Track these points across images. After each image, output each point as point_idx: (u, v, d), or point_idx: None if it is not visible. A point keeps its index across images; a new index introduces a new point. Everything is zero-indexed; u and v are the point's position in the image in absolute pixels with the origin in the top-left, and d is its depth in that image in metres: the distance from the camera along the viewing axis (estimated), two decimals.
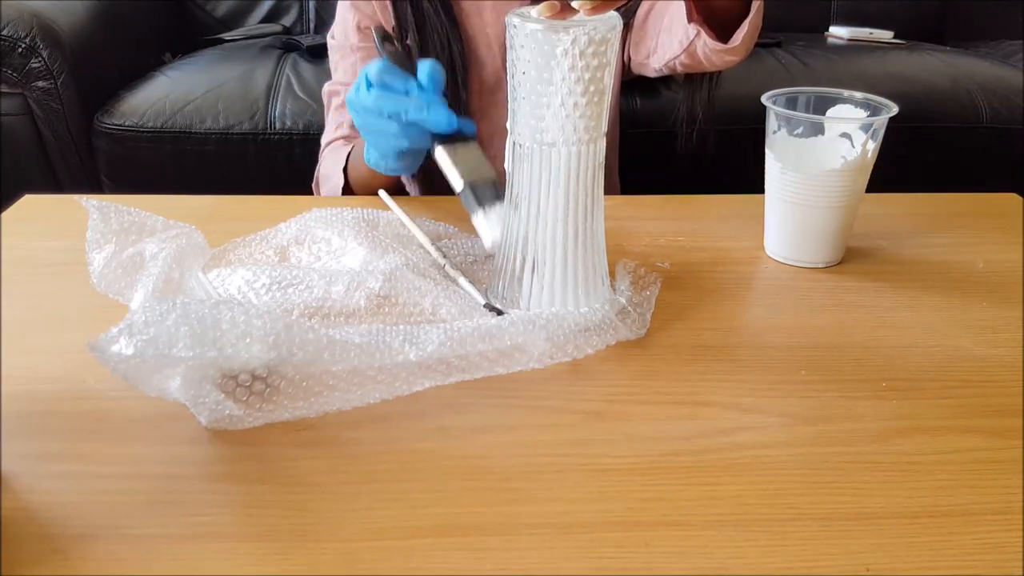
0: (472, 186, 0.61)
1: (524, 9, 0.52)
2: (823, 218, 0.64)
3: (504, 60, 0.87)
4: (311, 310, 0.56)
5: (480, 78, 0.90)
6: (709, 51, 0.75)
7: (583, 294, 0.56)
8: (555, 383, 0.51)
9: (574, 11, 0.50)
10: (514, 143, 0.54)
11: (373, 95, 0.64)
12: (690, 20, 0.73)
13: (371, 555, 0.38)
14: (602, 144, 0.54)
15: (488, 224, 0.60)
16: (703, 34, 0.73)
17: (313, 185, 0.93)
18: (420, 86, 0.64)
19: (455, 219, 0.70)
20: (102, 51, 1.52)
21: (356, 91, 0.66)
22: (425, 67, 0.64)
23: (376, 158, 0.71)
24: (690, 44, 0.76)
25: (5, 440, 0.45)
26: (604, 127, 0.53)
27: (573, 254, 0.55)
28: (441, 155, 0.63)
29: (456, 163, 0.62)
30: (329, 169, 0.87)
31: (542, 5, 0.50)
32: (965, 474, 0.44)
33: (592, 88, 0.50)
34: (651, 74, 0.91)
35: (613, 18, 0.50)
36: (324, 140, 0.93)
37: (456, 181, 0.62)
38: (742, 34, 0.70)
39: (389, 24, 0.87)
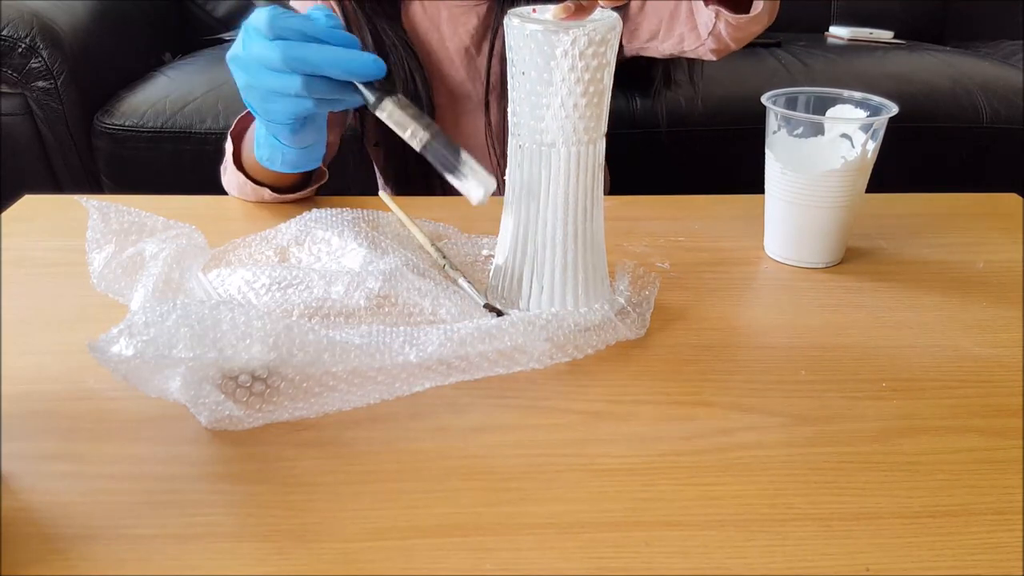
0: (438, 140, 0.53)
1: (523, 9, 0.52)
2: (823, 218, 0.64)
3: (468, 71, 0.88)
4: (311, 310, 0.56)
5: (447, 91, 0.89)
6: (733, 29, 0.74)
7: (583, 294, 0.56)
8: (555, 383, 0.51)
9: (588, 13, 0.50)
10: (516, 145, 0.54)
11: (270, 46, 0.53)
12: (708, 3, 0.72)
13: (371, 555, 0.38)
14: (602, 145, 0.54)
15: (473, 178, 0.52)
16: (723, 15, 0.72)
17: (222, 168, 0.81)
18: (323, 29, 0.53)
19: (455, 219, 0.70)
20: (102, 51, 1.52)
21: (243, 44, 0.55)
22: (318, 7, 0.54)
23: (269, 149, 0.62)
24: (714, 27, 0.75)
25: (5, 440, 0.45)
26: (603, 128, 0.53)
27: (573, 254, 0.55)
28: (389, 107, 0.53)
29: (409, 115, 0.53)
30: (227, 152, 0.76)
31: (559, 7, 0.49)
32: (965, 474, 0.44)
33: (592, 89, 0.50)
34: (662, 55, 0.89)
35: (612, 19, 0.50)
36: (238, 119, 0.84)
37: (418, 135, 0.53)
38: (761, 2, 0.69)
39: None
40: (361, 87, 0.54)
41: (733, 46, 0.78)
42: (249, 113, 0.75)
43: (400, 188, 0.94)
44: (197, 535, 0.39)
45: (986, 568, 0.38)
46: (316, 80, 0.53)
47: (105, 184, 1.49)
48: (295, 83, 0.53)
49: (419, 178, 0.90)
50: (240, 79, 0.57)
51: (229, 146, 0.75)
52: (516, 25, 0.50)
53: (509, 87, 0.53)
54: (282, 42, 0.52)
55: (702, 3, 0.74)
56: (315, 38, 0.53)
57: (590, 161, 0.53)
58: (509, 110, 0.54)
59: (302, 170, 0.66)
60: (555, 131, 0.51)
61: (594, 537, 0.39)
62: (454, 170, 0.52)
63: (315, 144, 0.63)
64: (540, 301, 0.56)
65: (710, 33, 0.77)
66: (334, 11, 0.84)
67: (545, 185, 0.53)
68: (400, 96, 0.54)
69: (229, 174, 0.77)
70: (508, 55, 0.52)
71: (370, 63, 0.53)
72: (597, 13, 0.51)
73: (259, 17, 0.53)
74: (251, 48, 0.54)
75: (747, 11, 0.71)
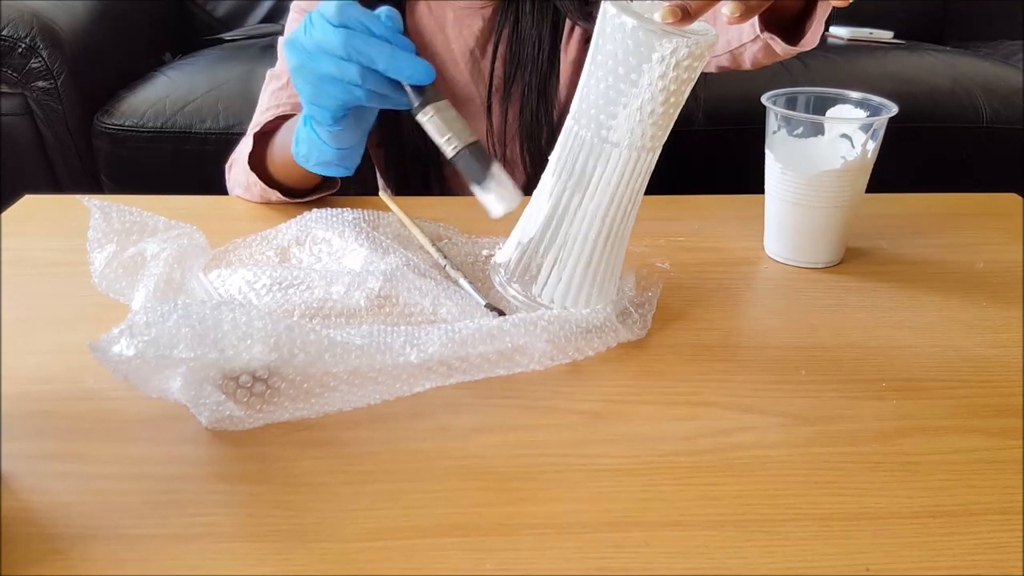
0: (471, 150, 0.55)
1: None
2: (823, 218, 0.64)
3: (472, 73, 0.87)
4: (312, 310, 0.56)
5: (450, 93, 0.88)
6: (764, 55, 0.72)
7: (595, 294, 0.55)
8: (555, 383, 0.51)
9: (692, 21, 0.47)
10: (575, 131, 0.52)
11: (333, 32, 0.54)
12: (763, 30, 0.69)
13: (371, 555, 0.38)
14: (657, 155, 0.52)
15: (496, 193, 0.54)
16: (762, 39, 0.69)
17: (227, 167, 0.83)
18: (387, 28, 0.55)
19: (456, 220, 0.70)
20: (102, 51, 1.52)
21: (306, 29, 0.56)
22: (385, 9, 0.56)
23: (307, 144, 0.63)
24: (740, 47, 0.73)
25: (5, 440, 0.45)
26: (665, 139, 0.52)
27: (600, 254, 0.54)
28: (431, 113, 0.55)
29: (448, 124, 0.55)
30: (242, 151, 0.77)
31: (667, 10, 0.47)
32: (965, 474, 0.44)
33: (673, 100, 0.49)
34: None
35: (712, 36, 0.48)
36: (251, 125, 0.84)
37: (452, 143, 0.55)
38: (817, 35, 0.66)
39: None
40: (408, 89, 0.55)
41: (747, 67, 0.77)
42: (279, 117, 0.76)
43: (400, 189, 0.94)
44: (197, 535, 0.39)
45: (986, 568, 0.38)
46: (370, 72, 0.55)
47: (105, 184, 1.49)
48: (351, 71, 0.55)
49: (417, 179, 0.90)
50: (293, 60, 0.58)
51: (248, 144, 0.74)
52: (613, 14, 0.47)
53: (585, 73, 0.51)
54: (346, 30, 0.54)
55: (725, 24, 0.72)
56: (377, 34, 0.55)
57: (644, 168, 0.52)
58: (577, 95, 0.51)
59: (334, 174, 0.66)
60: (623, 131, 0.50)
61: (594, 537, 0.39)
62: (480, 182, 0.54)
63: (353, 148, 0.64)
64: (554, 291, 0.55)
65: (729, 51, 0.75)
66: None
67: (596, 181, 0.52)
68: (445, 104, 0.56)
69: (238, 172, 0.77)
70: (595, 40, 0.49)
71: (421, 68, 0.54)
72: (697, 25, 0.49)
73: (328, 5, 0.55)
74: (313, 32, 0.55)
75: (794, 41, 0.68)
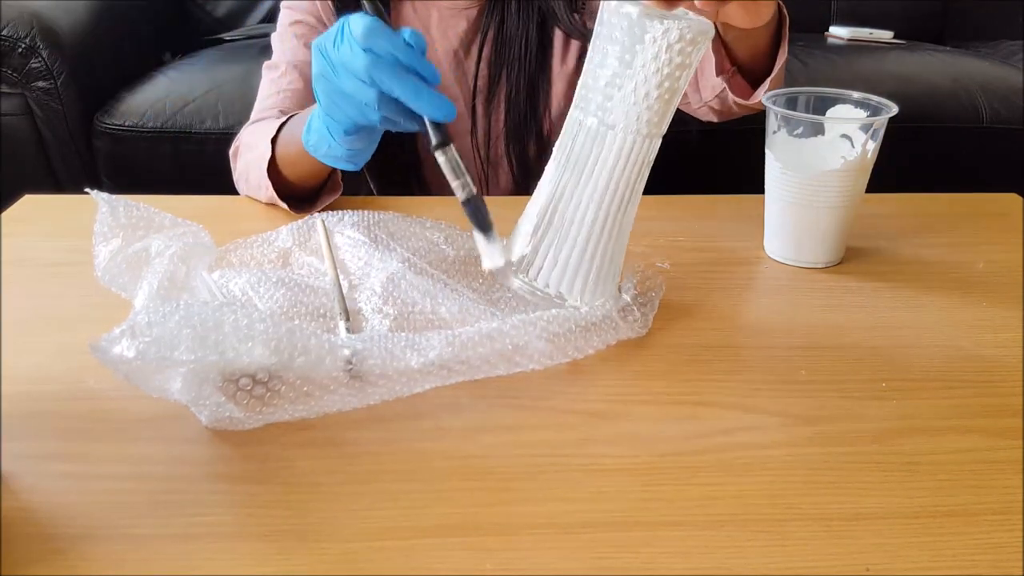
0: (479, 198, 0.54)
1: None
2: (823, 218, 0.64)
3: (456, 75, 0.87)
4: (313, 312, 0.56)
5: None
6: (732, 102, 0.75)
7: (592, 283, 0.55)
8: (555, 383, 0.51)
9: (675, 5, 0.50)
10: (576, 116, 0.53)
11: (360, 55, 0.53)
12: (718, 73, 0.73)
13: (371, 555, 0.38)
14: (657, 144, 0.53)
15: (495, 246, 0.54)
16: (728, 95, 0.73)
17: (231, 154, 0.83)
18: (415, 58, 0.54)
19: (456, 219, 0.70)
20: (102, 51, 1.52)
21: (335, 44, 0.55)
22: (410, 33, 0.54)
23: (318, 136, 0.62)
24: (722, 91, 0.76)
25: (5, 440, 0.45)
26: (664, 128, 0.53)
27: (596, 240, 0.54)
28: (451, 153, 0.54)
29: (461, 166, 0.54)
30: (255, 138, 0.77)
31: None
32: (965, 474, 0.44)
33: (667, 84, 0.50)
34: None
35: (707, 24, 0.50)
36: (254, 113, 0.84)
37: (467, 187, 0.54)
38: (763, 91, 0.69)
39: None
40: (429, 125, 0.54)
41: (737, 112, 0.78)
42: (291, 119, 0.76)
43: (383, 190, 0.94)
44: (197, 535, 0.39)
45: (986, 568, 0.38)
46: (389, 100, 0.54)
47: (105, 184, 1.49)
48: (370, 95, 0.54)
49: (399, 182, 0.91)
50: (316, 66, 0.57)
51: (265, 148, 0.73)
52: (615, 2, 0.49)
53: (587, 61, 0.52)
54: (372, 55, 0.53)
55: (711, 68, 0.73)
56: (404, 62, 0.53)
57: (642, 155, 0.52)
58: (580, 82, 0.53)
59: (340, 167, 0.65)
60: (619, 114, 0.51)
61: (594, 537, 0.39)
62: (487, 230, 0.53)
63: (364, 150, 0.63)
64: (550, 275, 0.54)
65: (716, 95, 0.77)
66: (329, 8, 0.85)
67: (592, 164, 0.52)
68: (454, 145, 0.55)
69: (248, 170, 0.77)
70: (596, 29, 0.51)
71: (444, 105, 0.53)
72: (694, 17, 0.50)
73: (358, 23, 0.53)
74: (341, 48, 0.54)
75: (754, 83, 0.72)
